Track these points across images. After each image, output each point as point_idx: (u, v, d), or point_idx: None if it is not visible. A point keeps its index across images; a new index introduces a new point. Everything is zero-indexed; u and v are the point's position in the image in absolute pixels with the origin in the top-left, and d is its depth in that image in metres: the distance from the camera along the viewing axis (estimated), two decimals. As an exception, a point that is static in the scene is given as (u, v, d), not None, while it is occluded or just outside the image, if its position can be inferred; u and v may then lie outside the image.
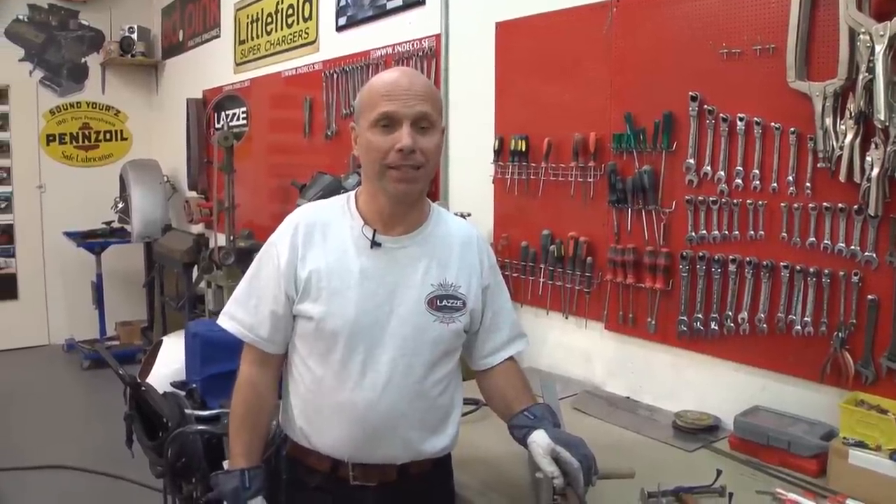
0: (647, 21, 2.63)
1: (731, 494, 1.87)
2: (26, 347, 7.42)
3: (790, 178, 2.23)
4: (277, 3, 5.29)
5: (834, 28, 2.09)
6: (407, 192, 1.73)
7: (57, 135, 7.65)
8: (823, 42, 2.14)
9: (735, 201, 2.38)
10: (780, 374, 2.32)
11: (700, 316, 2.49)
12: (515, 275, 3.16)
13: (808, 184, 2.19)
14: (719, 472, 1.95)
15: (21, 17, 7.39)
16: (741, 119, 2.33)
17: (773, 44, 2.24)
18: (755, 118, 2.30)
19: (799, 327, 2.23)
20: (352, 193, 1.86)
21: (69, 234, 7.08)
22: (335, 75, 4.52)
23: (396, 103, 1.68)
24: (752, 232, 2.34)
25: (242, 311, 1.83)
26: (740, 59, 2.34)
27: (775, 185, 2.27)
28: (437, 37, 3.66)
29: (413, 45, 3.83)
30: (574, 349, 3.01)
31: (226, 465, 1.88)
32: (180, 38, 7.17)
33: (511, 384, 1.88)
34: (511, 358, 1.94)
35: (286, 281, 1.76)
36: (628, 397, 2.75)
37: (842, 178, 2.08)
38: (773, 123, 2.26)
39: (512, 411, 1.80)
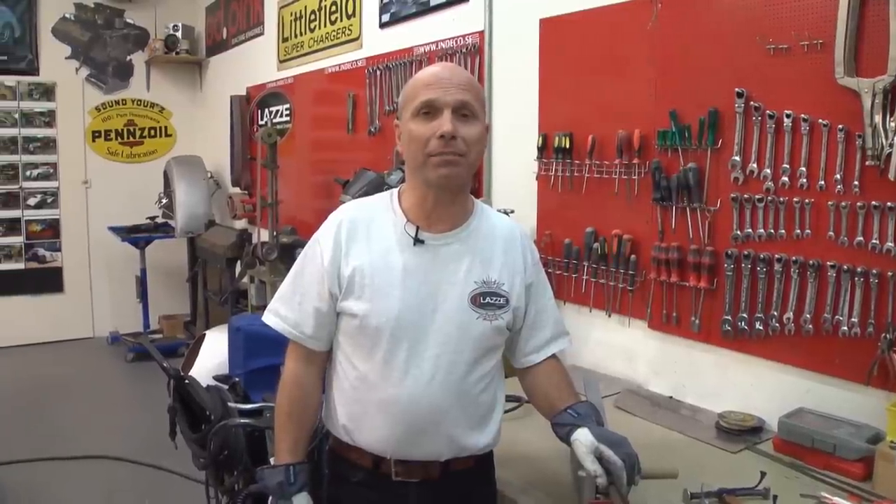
0: (691, 16, 2.61)
1: (775, 497, 1.85)
2: (71, 340, 7.56)
3: (838, 175, 2.19)
4: (321, 1, 5.31)
5: (884, 23, 2.05)
6: (448, 177, 1.71)
7: (102, 131, 7.78)
8: (873, 38, 2.10)
9: (781, 199, 2.34)
10: (825, 375, 2.28)
11: (745, 316, 2.47)
12: (558, 272, 3.15)
13: (856, 182, 2.15)
14: (763, 475, 1.93)
15: (68, 15, 7.53)
16: (788, 116, 2.30)
17: (822, 39, 2.20)
18: (802, 115, 2.27)
19: (845, 328, 2.20)
20: (395, 190, 1.87)
21: (114, 229, 7.19)
22: (378, 72, 4.53)
23: (437, 91, 1.69)
24: (799, 231, 2.30)
25: (287, 309, 1.84)
26: (787, 55, 2.30)
27: (822, 182, 2.23)
28: (481, 34, 3.65)
29: (456, 41, 3.83)
30: (617, 347, 2.99)
31: (272, 460, 1.89)
32: (224, 36, 7.23)
33: (554, 382, 1.88)
34: (554, 356, 1.93)
35: (330, 278, 1.77)
36: (671, 397, 2.73)
37: (891, 176, 2.04)
38: (820, 120, 2.22)
39: (555, 409, 1.80)
